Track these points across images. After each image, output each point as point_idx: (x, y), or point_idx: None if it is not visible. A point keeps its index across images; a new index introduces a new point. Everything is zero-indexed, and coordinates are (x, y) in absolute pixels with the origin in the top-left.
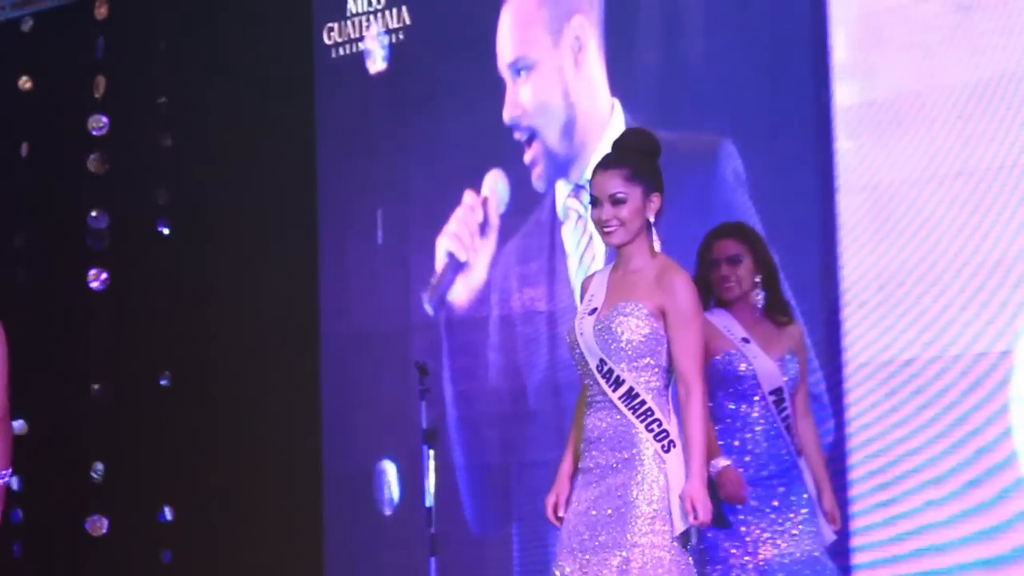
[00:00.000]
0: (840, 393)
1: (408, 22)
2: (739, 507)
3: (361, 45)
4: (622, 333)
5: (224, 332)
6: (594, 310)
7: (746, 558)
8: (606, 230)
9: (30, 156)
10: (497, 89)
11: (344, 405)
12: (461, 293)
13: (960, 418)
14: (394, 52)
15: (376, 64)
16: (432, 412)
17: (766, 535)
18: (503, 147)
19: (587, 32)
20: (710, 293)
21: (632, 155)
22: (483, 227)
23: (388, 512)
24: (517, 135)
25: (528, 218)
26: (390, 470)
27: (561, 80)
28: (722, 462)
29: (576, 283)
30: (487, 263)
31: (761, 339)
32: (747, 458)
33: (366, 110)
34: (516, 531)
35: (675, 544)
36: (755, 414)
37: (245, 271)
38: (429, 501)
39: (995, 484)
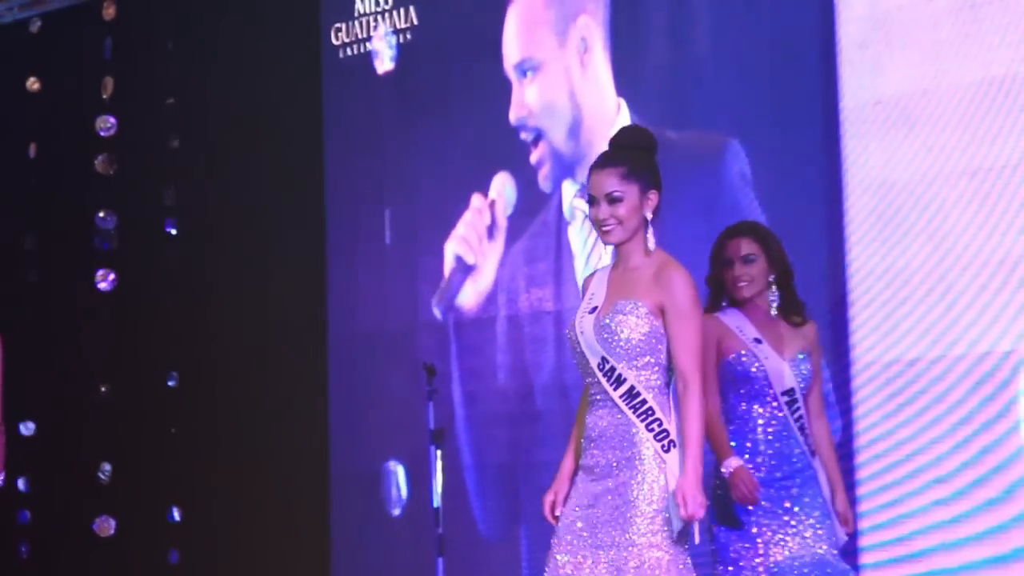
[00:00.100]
0: (847, 392)
1: (416, 22)
2: (751, 508)
3: (369, 45)
4: (622, 332)
5: (232, 332)
6: (595, 308)
7: (757, 559)
8: (603, 229)
9: (38, 157)
10: (505, 89)
11: (352, 405)
12: (469, 295)
13: (966, 417)
14: (402, 52)
15: (384, 64)
16: (440, 412)
17: (778, 536)
18: (511, 147)
19: (593, 32)
20: (723, 293)
21: (628, 153)
22: (491, 230)
23: (395, 512)
24: (523, 135)
25: (535, 219)
26: (397, 470)
27: (567, 80)
28: (734, 463)
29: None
30: (495, 265)
31: (774, 339)
32: (759, 459)
33: (374, 110)
34: (524, 532)
35: (674, 544)
36: (767, 415)
37: (253, 272)
38: (436, 501)
39: (1001, 482)
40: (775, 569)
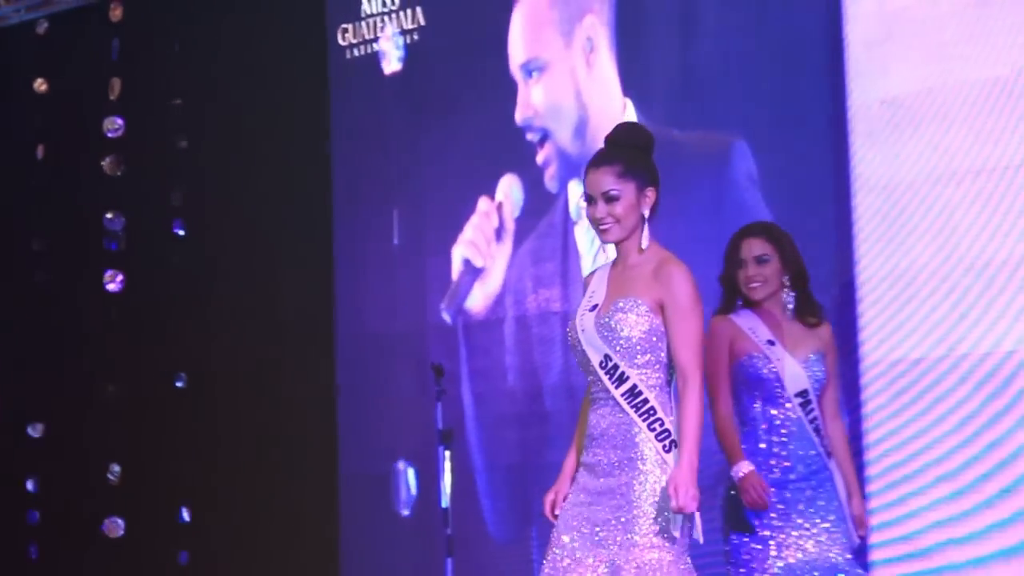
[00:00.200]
0: (855, 391)
1: (423, 23)
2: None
3: (376, 46)
4: (622, 330)
5: (240, 333)
6: (595, 307)
7: (769, 562)
8: (601, 228)
9: (46, 158)
10: (513, 90)
11: (360, 406)
12: (478, 298)
13: (972, 414)
14: (409, 53)
15: (391, 65)
16: (449, 413)
17: (790, 539)
18: (519, 148)
19: (599, 32)
20: (737, 294)
21: (625, 151)
22: (498, 232)
23: (405, 513)
24: (529, 136)
25: (541, 219)
26: (406, 471)
27: (573, 81)
28: (745, 467)
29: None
30: (503, 267)
31: (788, 340)
32: (772, 461)
33: (381, 111)
34: (534, 533)
35: (676, 545)
36: (781, 416)
37: (260, 272)
38: (445, 502)
39: (1006, 478)
40: (787, 571)
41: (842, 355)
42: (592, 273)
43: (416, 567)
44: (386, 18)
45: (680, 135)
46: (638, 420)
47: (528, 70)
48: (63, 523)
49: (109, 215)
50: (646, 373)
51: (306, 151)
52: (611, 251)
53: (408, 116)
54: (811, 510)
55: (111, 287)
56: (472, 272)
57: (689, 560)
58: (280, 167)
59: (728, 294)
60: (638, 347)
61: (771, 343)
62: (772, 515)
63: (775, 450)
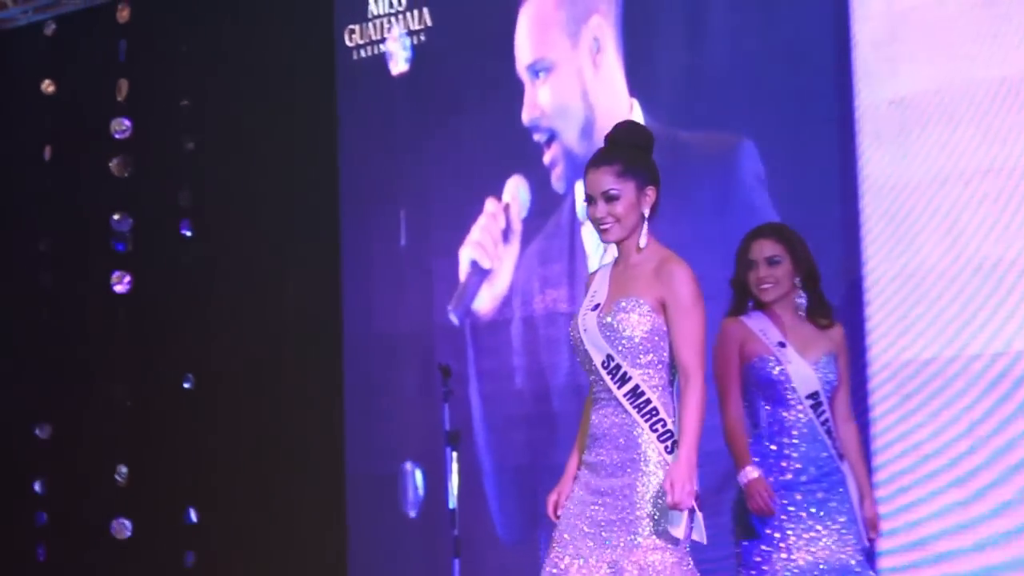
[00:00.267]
0: (863, 393)
1: (430, 24)
2: (773, 517)
3: (383, 47)
4: (624, 330)
5: (247, 334)
6: (597, 306)
7: (779, 565)
8: (602, 227)
9: (53, 159)
10: (520, 90)
11: (367, 407)
12: (485, 299)
13: (982, 416)
14: (416, 54)
15: (398, 66)
16: (457, 415)
17: (800, 542)
18: (526, 148)
19: (605, 33)
20: (748, 295)
21: (624, 150)
22: (506, 233)
23: (412, 514)
24: (536, 137)
25: (548, 220)
26: (414, 472)
27: (580, 81)
28: (751, 473)
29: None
30: (511, 269)
31: (799, 342)
32: (784, 463)
33: (388, 112)
34: (542, 535)
35: (678, 546)
36: (791, 418)
37: (268, 273)
38: (452, 503)
39: (1018, 481)
40: (797, 573)
41: (851, 356)
42: (594, 272)
43: (423, 568)
44: (393, 19)
45: (687, 135)
46: (640, 421)
47: (535, 71)
48: (70, 524)
49: (116, 216)
50: (648, 373)
51: (313, 152)
52: (613, 250)
53: (415, 117)
54: (822, 512)
55: (118, 288)
56: (479, 273)
57: (691, 561)
58: (287, 168)
59: (739, 296)
60: (640, 347)
61: (782, 345)
62: (783, 517)
63: (786, 452)
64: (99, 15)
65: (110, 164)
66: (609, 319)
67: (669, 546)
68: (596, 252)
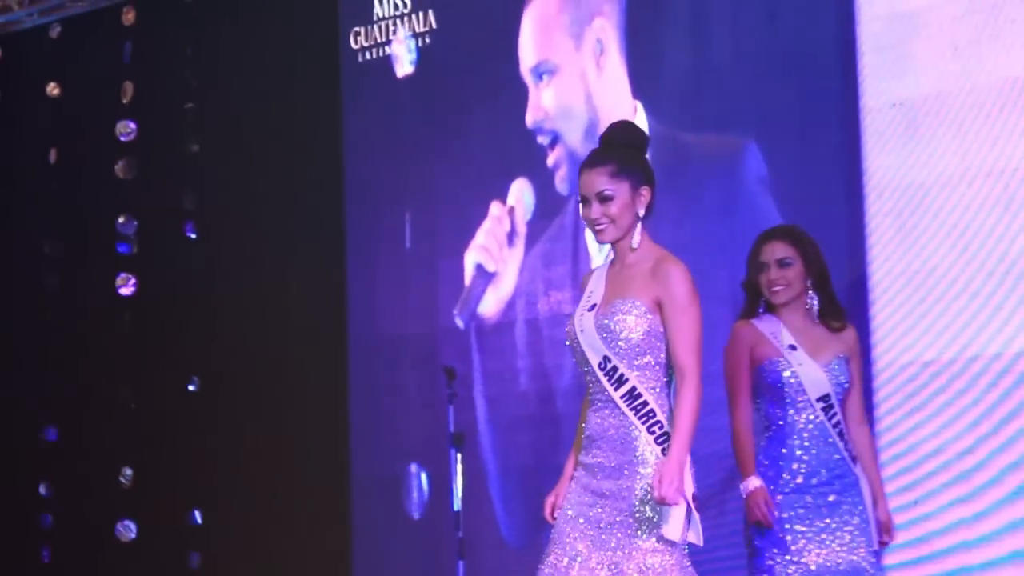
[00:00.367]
0: (868, 393)
1: (435, 26)
2: (786, 515)
3: (388, 49)
4: (621, 331)
5: (252, 336)
6: (593, 306)
7: (791, 568)
8: (597, 228)
9: (58, 162)
10: (526, 92)
11: (373, 408)
12: (490, 302)
13: (984, 416)
14: (421, 56)
15: (403, 68)
16: (462, 416)
17: (811, 545)
18: (530, 150)
19: (609, 35)
20: (760, 298)
21: (618, 150)
22: (510, 236)
23: (416, 516)
24: (540, 139)
25: (552, 222)
26: (419, 473)
27: (583, 83)
28: (753, 483)
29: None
30: (516, 271)
31: (810, 345)
32: (795, 465)
33: (393, 114)
34: (547, 537)
35: (677, 549)
36: (802, 421)
37: (273, 275)
38: (457, 505)
39: (1019, 479)
40: None
41: None
42: (589, 273)
43: (428, 570)
44: (398, 21)
45: (691, 137)
46: (637, 423)
47: (538, 73)
48: (76, 526)
49: (121, 219)
50: (645, 375)
51: (318, 154)
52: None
53: (420, 119)
54: (834, 515)
55: (123, 291)
56: (485, 277)
57: (689, 562)
58: (292, 170)
59: (751, 298)
60: (638, 349)
61: (792, 348)
62: (794, 520)
63: (797, 454)
64: (104, 18)
65: (115, 167)
66: (606, 320)
67: (669, 548)
68: (600, 254)
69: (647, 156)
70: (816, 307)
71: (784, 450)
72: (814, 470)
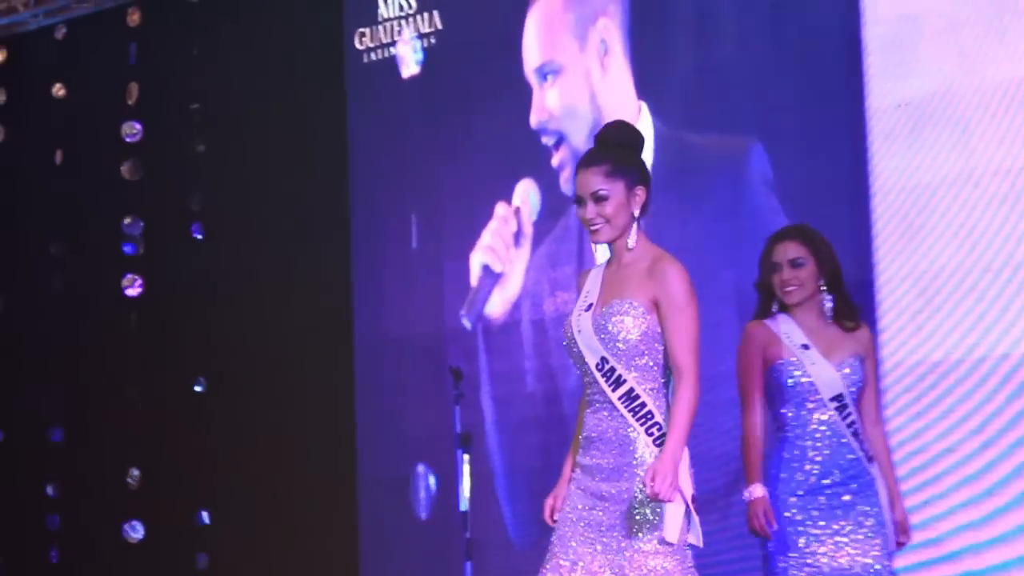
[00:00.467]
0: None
1: (440, 26)
2: (799, 516)
3: (393, 50)
4: (619, 332)
5: (258, 337)
6: (590, 306)
7: (804, 570)
8: (592, 228)
9: (64, 163)
10: (531, 92)
11: (379, 409)
12: (497, 302)
13: (992, 416)
14: (427, 56)
15: (409, 68)
16: (469, 417)
17: (825, 548)
18: (537, 151)
19: (613, 35)
20: (773, 298)
21: (613, 150)
22: (517, 237)
23: (424, 516)
24: (545, 140)
25: (557, 223)
26: (426, 474)
27: (588, 83)
28: (757, 491)
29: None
30: (522, 272)
31: (824, 344)
32: (808, 466)
33: (399, 114)
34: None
35: (679, 551)
36: (815, 422)
37: (279, 276)
38: (464, 506)
39: None
40: None
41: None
42: (586, 273)
43: (435, 571)
44: (403, 22)
45: (695, 138)
46: (635, 424)
47: (543, 73)
48: (83, 527)
49: (127, 219)
50: (643, 376)
51: (324, 155)
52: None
53: (426, 120)
54: (848, 516)
55: (130, 291)
56: (491, 277)
57: (692, 564)
58: (298, 171)
59: (764, 299)
60: (635, 349)
61: (805, 347)
62: (808, 522)
63: (810, 455)
64: (110, 19)
65: (121, 168)
66: (604, 321)
67: (670, 550)
68: (605, 254)
69: (643, 156)
70: (830, 307)
71: (797, 451)
72: (827, 471)
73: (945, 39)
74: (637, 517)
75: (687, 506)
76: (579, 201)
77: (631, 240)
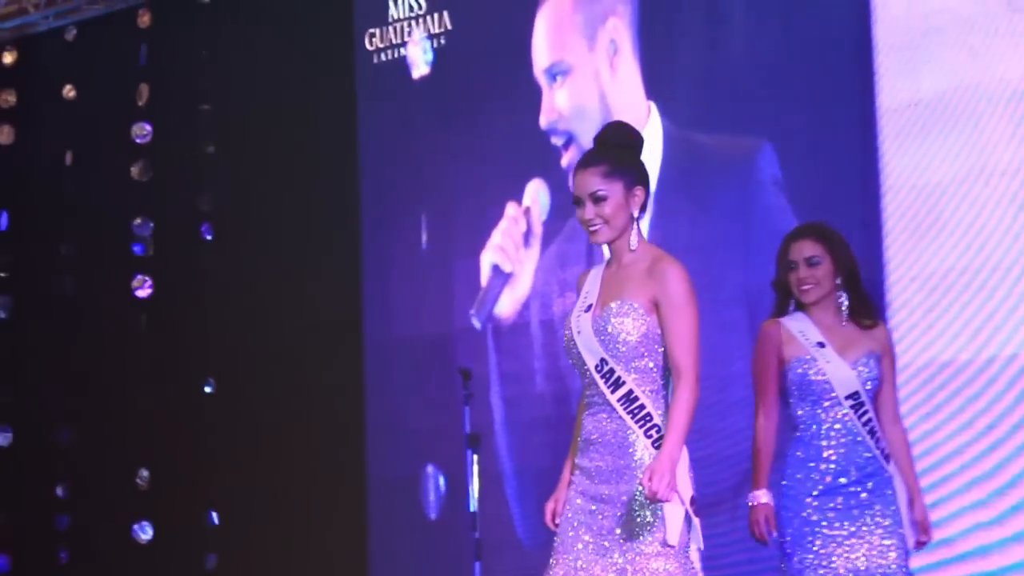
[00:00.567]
0: None
1: (450, 27)
2: (815, 517)
3: (403, 50)
4: (618, 334)
5: (268, 337)
6: (589, 307)
7: (820, 571)
8: (591, 229)
9: (74, 164)
10: (541, 92)
11: (388, 410)
12: (507, 302)
13: (1002, 416)
14: (437, 57)
15: (419, 69)
16: (479, 417)
17: (842, 549)
18: (547, 151)
19: (622, 35)
20: (790, 297)
21: (611, 150)
22: (527, 237)
23: (433, 516)
24: (554, 140)
25: (567, 223)
26: (436, 475)
27: (597, 84)
28: (761, 497)
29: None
30: (532, 272)
31: (839, 342)
32: (823, 466)
33: (409, 115)
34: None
35: (680, 554)
36: (830, 420)
37: (289, 276)
38: (473, 506)
39: None
40: None
41: None
42: (585, 273)
43: (444, 571)
44: (413, 23)
45: (705, 138)
46: (634, 426)
47: (552, 74)
48: (93, 528)
49: (137, 220)
50: (642, 378)
51: (334, 155)
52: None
53: (436, 120)
54: (865, 516)
55: (140, 292)
56: (501, 277)
57: (694, 565)
58: (308, 171)
59: (781, 298)
60: (636, 351)
61: (820, 345)
62: (824, 523)
63: (825, 454)
64: (120, 21)
65: (131, 168)
66: (603, 323)
67: (672, 552)
68: None
69: (642, 156)
70: (846, 305)
71: (813, 450)
72: (843, 469)
73: (955, 38)
74: (638, 519)
75: (685, 508)
76: (578, 202)
77: (633, 241)
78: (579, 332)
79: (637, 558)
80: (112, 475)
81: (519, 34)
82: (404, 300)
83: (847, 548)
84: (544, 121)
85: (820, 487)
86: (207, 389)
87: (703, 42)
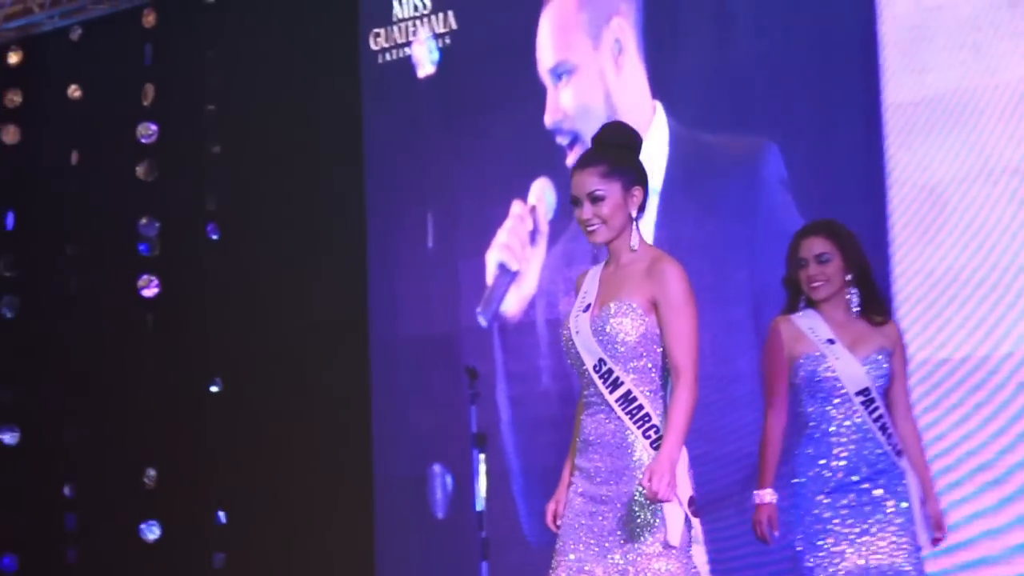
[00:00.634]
0: None
1: (455, 26)
2: (827, 514)
3: (407, 50)
4: (617, 334)
5: (274, 337)
6: (588, 307)
7: (832, 569)
8: (589, 229)
9: (80, 164)
10: (545, 92)
11: (395, 409)
12: (513, 301)
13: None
14: (442, 56)
15: (424, 68)
16: (485, 416)
17: (852, 548)
18: (552, 150)
19: (627, 34)
20: (800, 294)
21: (610, 150)
22: (533, 235)
23: (440, 516)
24: (559, 139)
25: (572, 222)
26: (442, 474)
27: (602, 83)
28: (766, 496)
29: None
30: (538, 270)
31: (850, 339)
32: (834, 463)
33: (415, 114)
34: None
35: (682, 554)
36: (840, 417)
37: (295, 276)
38: (480, 505)
39: None
40: None
41: None
42: (584, 273)
43: (451, 570)
44: (418, 22)
45: (710, 138)
46: (632, 427)
47: (557, 73)
48: (100, 527)
49: (143, 220)
50: (641, 378)
51: (339, 155)
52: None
53: (441, 119)
54: (877, 514)
55: (146, 292)
56: (507, 276)
57: (695, 566)
58: (313, 171)
59: (792, 295)
60: (634, 351)
61: (831, 342)
62: (835, 520)
63: (835, 452)
64: (125, 20)
65: (136, 168)
66: (601, 323)
67: (673, 552)
68: None
69: (641, 156)
70: (856, 301)
71: (823, 448)
72: (854, 466)
73: (961, 36)
74: (638, 520)
75: (684, 509)
76: (575, 202)
77: (633, 241)
78: (577, 332)
79: (639, 559)
80: (119, 474)
81: (524, 34)
82: (410, 299)
83: (859, 546)
84: (549, 121)
85: (831, 484)
86: (213, 388)
87: (708, 42)
